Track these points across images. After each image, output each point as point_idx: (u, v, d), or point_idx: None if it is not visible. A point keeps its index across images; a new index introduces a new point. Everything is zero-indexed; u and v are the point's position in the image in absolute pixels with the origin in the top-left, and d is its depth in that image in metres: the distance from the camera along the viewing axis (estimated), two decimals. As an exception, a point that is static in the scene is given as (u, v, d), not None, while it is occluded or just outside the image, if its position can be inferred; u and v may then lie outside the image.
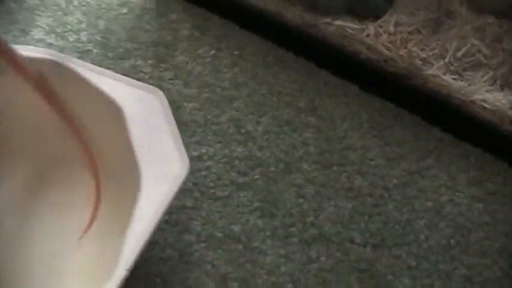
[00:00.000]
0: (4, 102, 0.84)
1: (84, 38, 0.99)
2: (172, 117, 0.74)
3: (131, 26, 1.01)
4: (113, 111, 0.75)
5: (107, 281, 0.63)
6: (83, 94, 0.78)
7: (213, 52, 0.97)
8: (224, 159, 0.85)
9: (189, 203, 0.81)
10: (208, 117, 0.90)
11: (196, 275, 0.76)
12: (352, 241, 0.79)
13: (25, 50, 0.81)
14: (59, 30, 1.01)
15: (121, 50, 0.98)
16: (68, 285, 0.76)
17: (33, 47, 0.82)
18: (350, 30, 0.90)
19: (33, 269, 0.77)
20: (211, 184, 0.83)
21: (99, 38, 0.99)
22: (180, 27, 1.00)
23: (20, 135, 0.84)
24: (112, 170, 0.78)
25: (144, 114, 0.74)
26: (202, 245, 0.78)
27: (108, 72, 0.78)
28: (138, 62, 0.96)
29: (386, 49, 0.89)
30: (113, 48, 0.98)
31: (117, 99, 0.75)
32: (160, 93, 0.76)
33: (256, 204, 0.82)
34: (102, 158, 0.78)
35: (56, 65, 0.79)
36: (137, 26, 1.01)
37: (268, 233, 0.79)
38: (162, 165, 0.69)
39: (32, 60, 0.80)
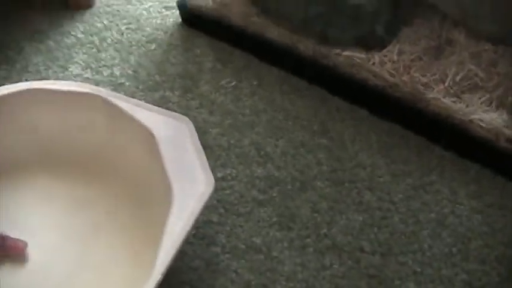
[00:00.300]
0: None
1: (117, 72, 1.10)
2: (198, 141, 0.83)
3: (159, 61, 1.12)
4: (147, 137, 0.85)
5: (143, 286, 0.72)
6: (120, 123, 0.88)
7: (234, 83, 1.07)
8: (246, 179, 0.95)
9: (215, 218, 0.91)
10: (231, 141, 0.99)
11: (221, 282, 0.84)
12: (362, 250, 0.88)
13: (68, 85, 0.92)
14: (94, 66, 1.11)
15: (151, 82, 1.08)
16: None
17: (74, 82, 0.93)
18: (357, 60, 1.00)
19: (73, 283, 0.85)
20: (235, 201, 0.92)
21: (130, 72, 1.10)
22: (204, 60, 1.11)
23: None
24: (141, 185, 0.87)
25: (174, 139, 0.83)
26: (227, 255, 0.87)
27: (141, 103, 0.88)
28: (167, 93, 1.06)
29: (391, 76, 0.98)
30: (143, 81, 1.08)
31: (150, 127, 0.85)
32: (188, 120, 0.85)
33: (275, 219, 0.90)
34: (138, 179, 0.88)
35: (96, 98, 0.90)
36: (165, 60, 1.11)
37: (286, 244, 0.88)
38: (190, 185, 0.79)
39: (73, 93, 0.91)
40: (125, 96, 0.89)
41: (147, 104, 0.88)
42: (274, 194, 0.93)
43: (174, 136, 0.84)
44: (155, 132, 0.84)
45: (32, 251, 0.87)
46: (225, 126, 1.01)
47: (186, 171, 0.80)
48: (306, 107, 1.04)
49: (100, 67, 1.11)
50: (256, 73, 1.08)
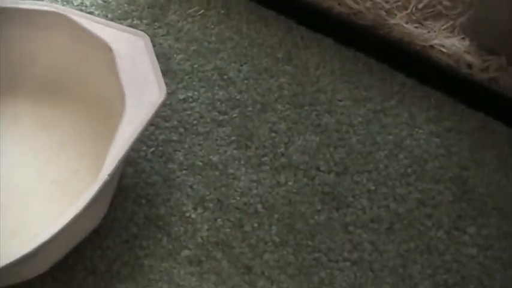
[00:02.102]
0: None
1: (87, 2, 1.10)
2: (154, 55, 0.84)
3: (129, -9, 1.12)
4: (105, 52, 0.86)
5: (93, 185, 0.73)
6: (80, 39, 0.89)
7: (202, 11, 1.07)
8: (207, 101, 0.96)
9: (174, 137, 0.92)
10: (195, 66, 1.00)
11: (177, 197, 0.86)
12: (317, 169, 0.88)
13: (32, 5, 0.93)
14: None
15: (120, 11, 1.09)
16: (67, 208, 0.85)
17: (39, 1, 0.93)
18: (322, -13, 1.00)
19: (36, 195, 0.87)
20: (195, 122, 0.93)
21: (100, 2, 1.10)
22: (173, -9, 1.11)
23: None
24: (103, 99, 0.88)
25: (131, 53, 0.84)
26: (184, 172, 0.88)
27: (102, 20, 0.89)
28: (135, 22, 1.07)
29: (355, 2, 0.98)
30: (112, 10, 1.09)
31: (108, 41, 0.86)
32: (146, 36, 0.86)
33: (233, 138, 0.91)
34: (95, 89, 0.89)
35: (58, 16, 0.91)
36: (135, -9, 1.12)
37: (242, 162, 0.89)
38: (143, 93, 0.80)
39: (37, 12, 0.92)
40: (86, 14, 0.90)
41: (107, 21, 0.89)
42: (234, 115, 0.94)
43: (130, 50, 0.85)
44: (113, 46, 0.85)
45: (-7, 167, 0.89)
46: (189, 52, 1.02)
47: (140, 82, 0.81)
48: (272, 36, 1.04)
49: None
50: (224, 3, 1.08)
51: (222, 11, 1.07)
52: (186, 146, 0.91)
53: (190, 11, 1.08)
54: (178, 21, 1.06)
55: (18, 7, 0.93)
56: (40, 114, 0.95)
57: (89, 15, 0.90)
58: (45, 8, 0.92)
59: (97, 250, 0.82)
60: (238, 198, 0.86)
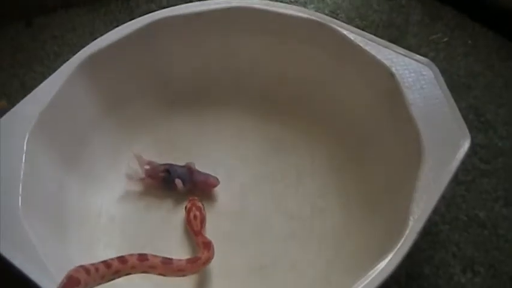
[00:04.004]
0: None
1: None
2: (447, 89, 0.72)
3: (360, 5, 1.00)
4: (383, 76, 0.74)
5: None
6: (348, 57, 0.78)
7: (445, 39, 0.96)
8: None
9: (431, 183, 0.79)
10: (447, 101, 0.88)
11: (442, 255, 0.74)
12: None
13: (290, 9, 0.82)
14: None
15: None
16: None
17: (297, 7, 0.82)
18: None
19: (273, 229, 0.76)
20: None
21: (327, 12, 0.99)
22: (411, 12, 0.99)
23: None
24: (359, 128, 0.78)
25: (418, 83, 0.73)
26: (447, 226, 0.76)
27: (375, 38, 0.78)
28: (369, 41, 0.95)
29: None
30: (342, 27, 0.97)
31: (388, 65, 0.74)
32: (433, 65, 0.75)
33: (499, 193, 0.79)
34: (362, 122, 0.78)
35: (321, 26, 0.79)
36: (366, 5, 1.00)
37: (514, 222, 0.77)
38: (443, 135, 0.68)
39: (296, 19, 0.81)
40: (355, 29, 0.78)
41: (383, 41, 0.77)
42: (498, 165, 0.81)
43: (418, 79, 0.73)
44: (395, 72, 0.73)
45: (221, 191, 0.78)
46: (438, 84, 0.90)
47: (436, 120, 0.69)
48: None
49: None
50: (471, 32, 0.96)
51: (470, 41, 0.95)
52: (447, 196, 0.78)
53: (434, 37, 0.96)
54: (421, 47, 0.94)
55: (263, 9, 0.82)
56: (270, 134, 0.84)
57: (358, 30, 0.78)
58: (305, 16, 0.80)
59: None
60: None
